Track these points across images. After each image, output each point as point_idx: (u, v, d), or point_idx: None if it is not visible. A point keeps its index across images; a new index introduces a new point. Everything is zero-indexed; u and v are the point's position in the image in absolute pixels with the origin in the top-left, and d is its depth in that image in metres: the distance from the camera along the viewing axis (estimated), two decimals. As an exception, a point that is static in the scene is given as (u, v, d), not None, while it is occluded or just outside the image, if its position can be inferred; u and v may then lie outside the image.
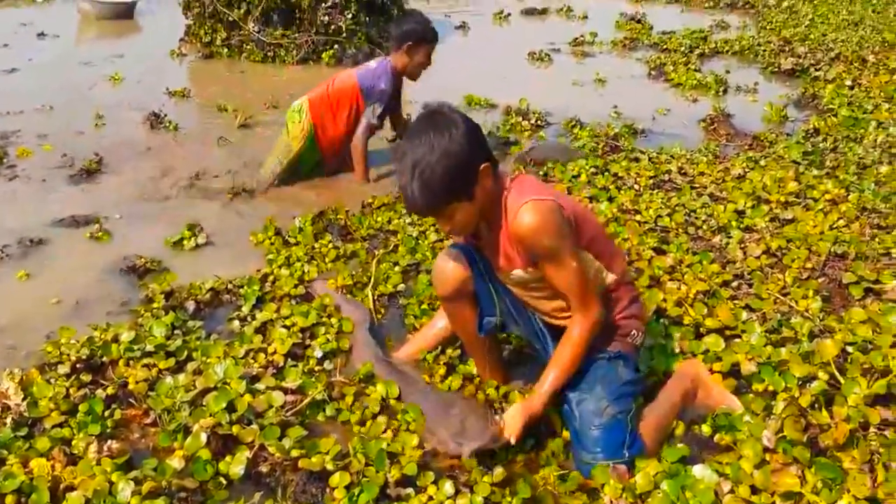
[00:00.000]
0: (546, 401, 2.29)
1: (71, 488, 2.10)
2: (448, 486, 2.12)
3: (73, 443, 2.32)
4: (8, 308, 3.20)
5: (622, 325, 2.42)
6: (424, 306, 3.14)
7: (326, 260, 3.62)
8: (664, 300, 3.14)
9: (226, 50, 7.65)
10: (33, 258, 3.66)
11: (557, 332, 2.38)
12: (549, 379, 2.28)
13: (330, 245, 3.75)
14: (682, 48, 7.88)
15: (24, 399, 2.48)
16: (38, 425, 2.43)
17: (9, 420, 2.41)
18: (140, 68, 7.22)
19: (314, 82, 4.95)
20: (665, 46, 8.03)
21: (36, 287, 3.41)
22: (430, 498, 2.12)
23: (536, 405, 2.28)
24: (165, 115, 5.73)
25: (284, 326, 2.98)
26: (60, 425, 2.40)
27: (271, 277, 3.41)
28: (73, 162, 4.86)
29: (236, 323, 3.07)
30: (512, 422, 2.24)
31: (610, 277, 2.37)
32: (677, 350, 2.82)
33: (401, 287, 3.38)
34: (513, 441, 2.22)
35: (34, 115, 5.91)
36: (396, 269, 3.51)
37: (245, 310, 3.14)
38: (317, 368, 2.79)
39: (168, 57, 7.60)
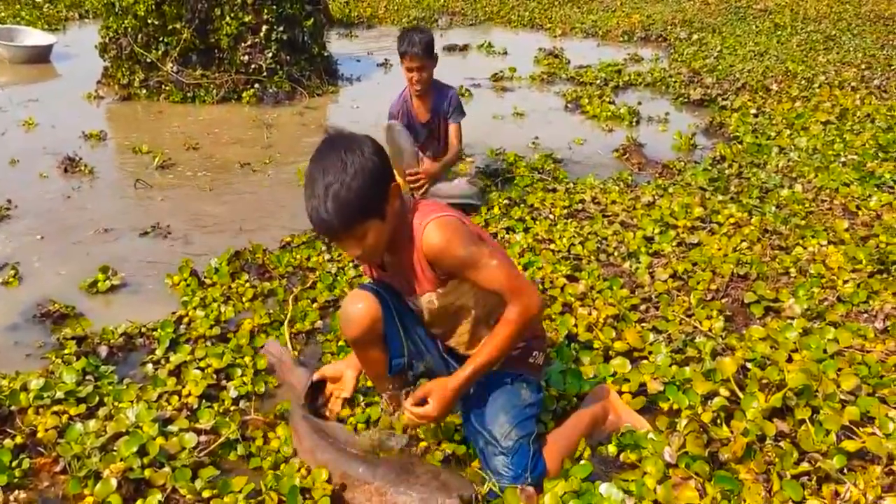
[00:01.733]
0: (463, 382, 2.29)
1: (-27, 543, 2.05)
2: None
3: (-23, 496, 2.27)
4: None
5: (522, 348, 2.47)
6: (341, 343, 3.17)
7: (244, 300, 3.62)
8: (575, 325, 3.25)
9: (144, 91, 7.56)
10: (-60, 307, 3.56)
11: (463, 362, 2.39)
12: (472, 364, 2.29)
13: (247, 284, 3.75)
14: (598, 81, 8.15)
15: (-78, 455, 2.41)
16: (-61, 481, 2.36)
17: None
18: (55, 112, 7.09)
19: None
20: (581, 80, 8.29)
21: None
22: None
23: (452, 384, 2.29)
24: (80, 159, 5.63)
25: (199, 368, 2.97)
26: (-37, 480, 2.34)
27: (186, 319, 3.40)
28: (-17, 208, 4.74)
29: (150, 367, 3.05)
30: (435, 400, 2.27)
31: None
32: (589, 374, 2.92)
33: (318, 324, 3.40)
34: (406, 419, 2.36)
35: (-58, 161, 5.74)
36: (314, 305, 3.54)
37: (159, 353, 3.12)
38: (232, 408, 2.79)
39: (84, 100, 7.48)
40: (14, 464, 2.42)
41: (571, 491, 2.24)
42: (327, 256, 4.03)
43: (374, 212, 2.11)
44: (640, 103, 7.27)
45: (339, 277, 3.79)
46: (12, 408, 2.70)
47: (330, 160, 2.07)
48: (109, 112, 7.35)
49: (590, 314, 3.34)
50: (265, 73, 7.54)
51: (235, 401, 2.83)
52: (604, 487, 2.24)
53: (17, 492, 2.29)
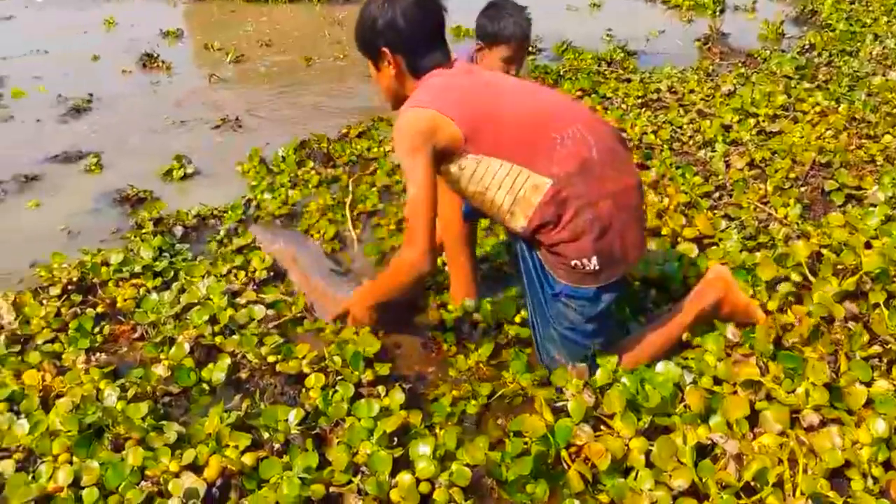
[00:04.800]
0: (358, 301, 2.41)
1: (60, 396, 2.20)
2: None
3: (63, 356, 2.41)
4: (2, 238, 3.29)
5: (563, 251, 2.04)
6: (393, 227, 3.22)
7: (310, 185, 3.66)
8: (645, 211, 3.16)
9: (218, -12, 7.58)
10: (29, 193, 3.74)
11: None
12: (367, 285, 2.46)
13: (312, 171, 3.80)
14: (682, -31, 7.71)
15: (16, 318, 2.57)
16: (31, 342, 2.53)
17: (2, 338, 2.50)
18: (133, 11, 7.20)
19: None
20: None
21: (30, 218, 3.49)
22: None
23: (351, 301, 2.44)
24: (158, 56, 5.74)
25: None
26: (51, 341, 2.50)
27: (254, 202, 3.48)
28: (66, 101, 4.90)
29: (219, 245, 3.14)
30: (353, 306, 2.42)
31: (542, 182, 2.00)
32: (657, 260, 2.83)
33: (378, 206, 3.43)
34: (326, 320, 2.54)
35: (29, 58, 5.94)
36: (373, 190, 3.56)
37: (222, 232, 3.22)
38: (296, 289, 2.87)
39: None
40: (95, 330, 2.56)
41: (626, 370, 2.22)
42: (387, 147, 4.02)
43: (366, 52, 2.23)
44: (726, -9, 6.87)
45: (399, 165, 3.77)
46: (94, 280, 2.84)
47: None
48: (186, 11, 7.41)
49: (660, 201, 3.25)
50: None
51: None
52: (660, 365, 2.22)
53: (98, 354, 2.43)
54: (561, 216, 2.01)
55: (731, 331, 2.34)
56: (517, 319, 2.57)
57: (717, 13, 6.37)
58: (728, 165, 3.59)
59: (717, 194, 3.38)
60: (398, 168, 3.67)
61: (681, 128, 4.03)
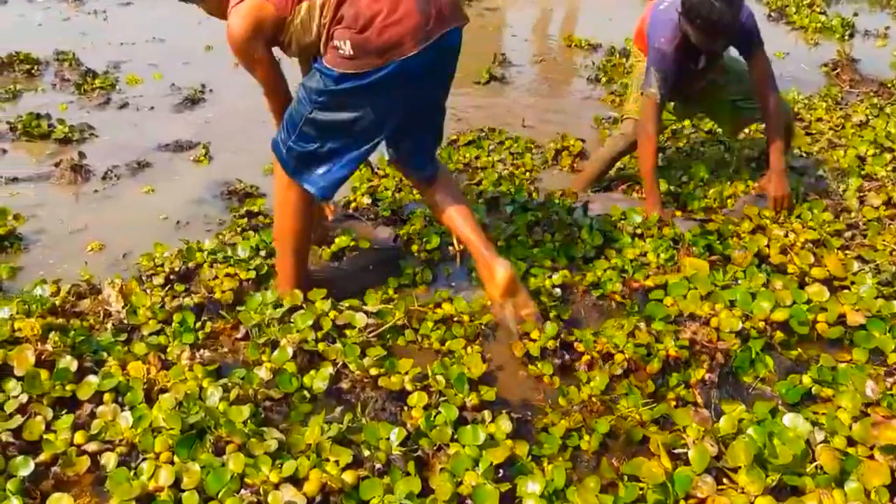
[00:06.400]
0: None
1: (164, 391, 2.18)
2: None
3: (168, 350, 2.41)
4: (111, 225, 3.35)
5: (333, 35, 2.25)
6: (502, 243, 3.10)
7: (414, 191, 3.58)
8: (767, 246, 2.97)
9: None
10: (140, 179, 3.81)
11: None
12: None
13: (421, 178, 3.74)
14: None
15: (124, 307, 2.58)
16: (136, 332, 2.53)
17: (109, 325, 2.52)
18: (248, 3, 7.33)
19: None
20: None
21: (139, 205, 3.55)
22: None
23: None
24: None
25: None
26: (157, 333, 2.50)
27: (353, 205, 3.43)
28: (180, 91, 5.00)
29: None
30: None
31: None
32: (784, 300, 2.63)
33: (485, 221, 3.32)
34: None
35: (145, 45, 6.10)
36: (480, 201, 3.45)
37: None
38: (395, 296, 2.79)
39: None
40: (198, 325, 2.55)
41: (751, 418, 2.06)
42: (497, 157, 3.93)
43: None
44: (856, 14, 6.50)
45: (505, 176, 3.66)
46: (190, 264, 2.85)
47: None
48: (297, 6, 7.51)
49: (786, 236, 3.05)
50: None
51: (397, 289, 2.83)
52: (788, 417, 2.05)
53: (202, 351, 2.41)
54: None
55: (870, 387, 2.15)
56: (628, 347, 2.43)
57: (846, 37, 6.04)
58: (862, 202, 3.35)
59: (848, 233, 3.14)
60: (505, 178, 3.58)
61: (809, 155, 3.79)
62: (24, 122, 4.27)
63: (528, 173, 3.76)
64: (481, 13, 7.03)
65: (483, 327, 2.54)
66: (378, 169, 3.83)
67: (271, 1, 2.25)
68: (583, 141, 4.02)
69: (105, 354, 2.36)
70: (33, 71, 5.39)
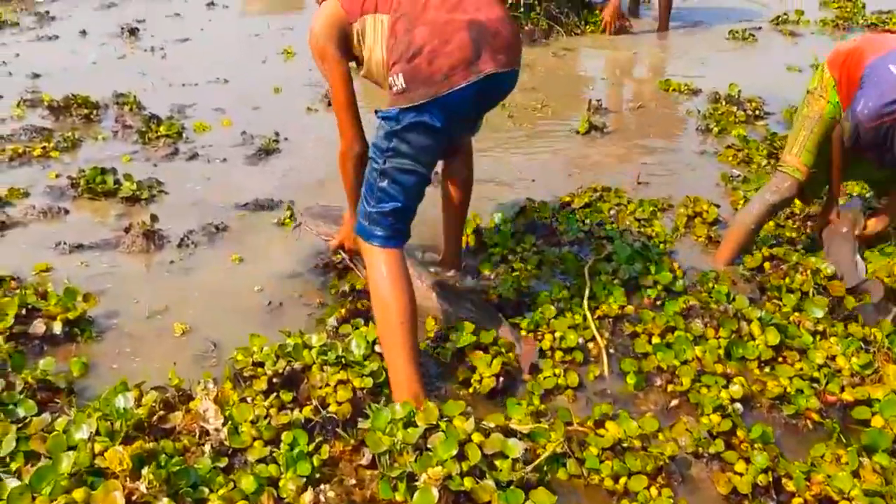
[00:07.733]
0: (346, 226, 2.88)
1: (284, 548, 1.74)
2: None
3: (281, 483, 1.97)
4: (193, 305, 2.93)
5: (390, 72, 2.29)
6: (656, 339, 2.63)
7: (528, 266, 3.13)
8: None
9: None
10: (219, 248, 3.40)
11: None
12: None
13: (532, 248, 3.29)
14: (907, 29, 6.88)
15: (224, 424, 2.15)
16: (238, 455, 2.10)
17: (207, 448, 2.08)
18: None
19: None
20: (886, 27, 7.03)
21: (224, 282, 3.13)
22: None
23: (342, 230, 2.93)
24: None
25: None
26: (264, 460, 2.06)
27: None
28: (253, 140, 4.62)
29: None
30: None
31: (384, 18, 2.35)
32: None
33: (627, 308, 2.85)
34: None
35: (209, 87, 5.75)
36: (616, 281, 2.97)
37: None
38: (542, 407, 2.33)
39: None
40: (311, 448, 2.10)
41: None
42: (622, 226, 3.47)
43: None
44: None
45: (640, 252, 3.17)
46: (296, 364, 2.40)
47: None
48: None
49: None
50: (522, 9, 6.99)
51: (542, 397, 2.38)
52: None
53: (324, 486, 1.97)
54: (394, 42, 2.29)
55: None
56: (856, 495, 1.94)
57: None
58: None
59: None
60: (638, 255, 3.11)
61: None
62: (87, 178, 3.88)
63: (661, 244, 3.28)
64: (557, 53, 6.61)
65: (664, 458, 2.07)
66: (486, 238, 3.39)
67: (342, 4, 2.42)
68: (717, 206, 3.54)
69: (206, 491, 1.93)
70: (92, 116, 5.04)
